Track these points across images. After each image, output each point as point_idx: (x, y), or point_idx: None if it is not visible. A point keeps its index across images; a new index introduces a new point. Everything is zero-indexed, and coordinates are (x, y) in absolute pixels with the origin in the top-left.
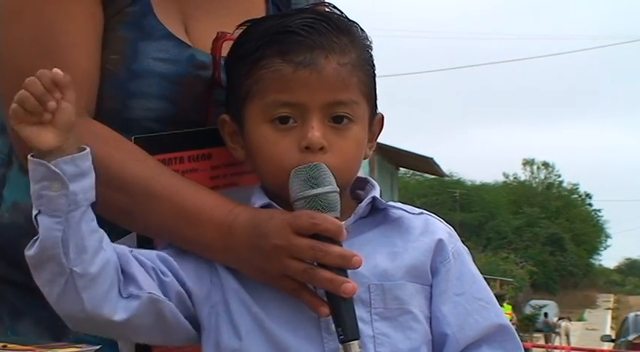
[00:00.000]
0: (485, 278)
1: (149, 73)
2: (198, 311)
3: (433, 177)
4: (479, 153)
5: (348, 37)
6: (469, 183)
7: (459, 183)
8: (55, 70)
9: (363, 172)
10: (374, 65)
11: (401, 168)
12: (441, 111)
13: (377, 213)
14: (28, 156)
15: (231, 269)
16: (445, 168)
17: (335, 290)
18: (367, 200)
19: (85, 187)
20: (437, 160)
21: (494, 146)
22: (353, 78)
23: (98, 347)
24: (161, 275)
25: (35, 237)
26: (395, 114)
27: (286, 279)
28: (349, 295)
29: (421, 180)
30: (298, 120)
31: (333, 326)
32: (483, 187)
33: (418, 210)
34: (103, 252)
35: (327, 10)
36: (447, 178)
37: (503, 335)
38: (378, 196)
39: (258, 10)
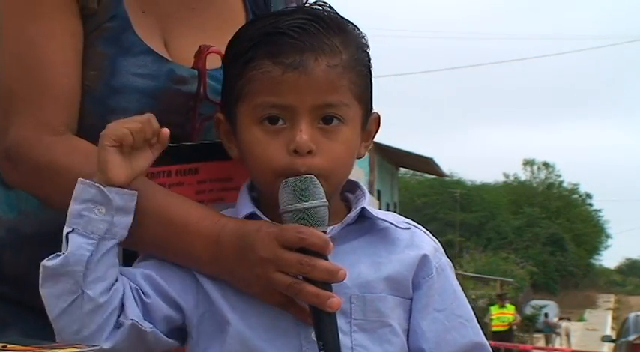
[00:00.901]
0: (485, 279)
1: (128, 89)
2: (188, 322)
3: (433, 177)
4: (479, 153)
5: (340, 37)
6: (469, 183)
7: (459, 183)
8: (165, 130)
9: (363, 172)
10: (369, 64)
11: (401, 168)
12: (442, 111)
13: (364, 221)
14: (82, 180)
15: (210, 278)
16: (445, 168)
17: (320, 305)
18: (356, 210)
19: (124, 224)
20: (437, 160)
21: (494, 146)
22: (343, 80)
23: (98, 347)
24: (143, 297)
25: (58, 253)
26: (395, 114)
27: (272, 292)
28: (334, 310)
29: (421, 180)
30: (287, 122)
31: (312, 334)
32: (484, 187)
33: (406, 225)
34: (115, 285)
35: (321, 9)
36: (448, 178)
37: None
38: (368, 205)
39: (239, 21)
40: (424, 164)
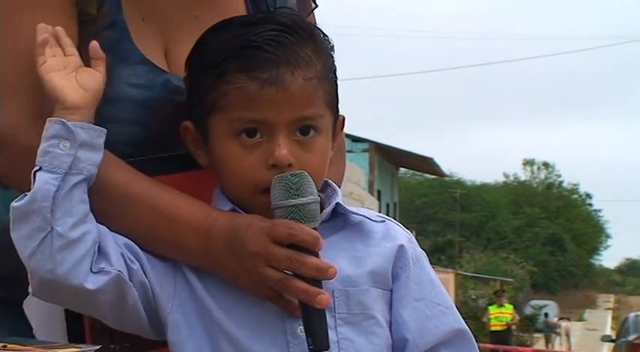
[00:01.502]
0: (485, 279)
1: (123, 99)
2: (159, 306)
3: (433, 177)
4: (479, 154)
5: (311, 46)
6: (469, 183)
7: (459, 183)
8: (93, 42)
9: (363, 172)
10: (336, 70)
11: (401, 168)
12: (442, 112)
13: (337, 217)
14: (48, 119)
15: (195, 272)
16: (445, 168)
17: (310, 301)
18: (331, 206)
19: (91, 159)
20: (437, 160)
21: (494, 146)
22: (318, 92)
23: (98, 347)
24: (129, 262)
25: (26, 193)
26: (395, 114)
27: (262, 285)
28: (323, 306)
29: (421, 180)
30: (265, 136)
31: (299, 329)
32: (483, 187)
33: (380, 218)
34: (86, 222)
35: (287, 16)
36: (448, 178)
37: (462, 340)
38: (341, 201)
39: None
40: (424, 164)
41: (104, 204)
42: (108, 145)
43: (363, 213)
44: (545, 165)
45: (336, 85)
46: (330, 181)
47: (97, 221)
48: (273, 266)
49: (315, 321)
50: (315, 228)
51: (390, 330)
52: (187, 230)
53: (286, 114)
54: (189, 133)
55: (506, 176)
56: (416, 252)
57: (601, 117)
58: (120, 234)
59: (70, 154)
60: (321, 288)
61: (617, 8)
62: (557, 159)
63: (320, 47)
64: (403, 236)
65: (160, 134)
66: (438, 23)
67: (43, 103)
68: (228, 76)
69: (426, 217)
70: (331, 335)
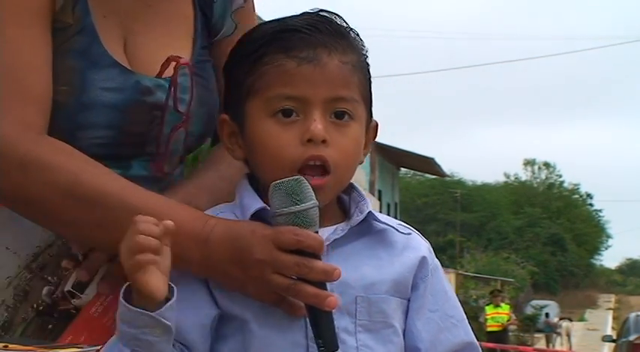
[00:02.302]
0: (486, 279)
1: (97, 104)
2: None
3: (434, 177)
4: (480, 154)
5: (347, 40)
6: (470, 183)
7: (460, 183)
8: (169, 222)
9: (364, 172)
10: (370, 72)
11: (402, 169)
12: (442, 112)
13: (362, 223)
14: (125, 304)
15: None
16: (446, 168)
17: (319, 304)
18: (363, 215)
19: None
20: (438, 160)
21: (495, 146)
22: (354, 77)
23: (99, 347)
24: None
25: None
26: (396, 114)
27: (266, 291)
28: (332, 308)
29: (422, 180)
30: (300, 114)
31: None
32: (484, 187)
33: (407, 230)
34: None
35: (326, 13)
36: (448, 178)
37: None
38: (372, 209)
39: (188, 19)
40: (425, 164)
41: (101, 214)
42: (82, 150)
43: (389, 222)
44: (546, 165)
45: (370, 84)
46: (355, 185)
47: (92, 233)
48: (281, 273)
49: (324, 323)
50: (316, 232)
51: (404, 339)
52: (186, 239)
53: (322, 91)
54: (226, 126)
55: (507, 176)
56: (434, 262)
57: (602, 118)
58: (114, 244)
59: (166, 340)
60: (327, 290)
61: (618, 8)
62: (558, 160)
63: (354, 44)
64: (425, 247)
65: (132, 135)
66: (438, 23)
67: (33, 114)
68: (266, 57)
69: (427, 217)
70: (350, 341)
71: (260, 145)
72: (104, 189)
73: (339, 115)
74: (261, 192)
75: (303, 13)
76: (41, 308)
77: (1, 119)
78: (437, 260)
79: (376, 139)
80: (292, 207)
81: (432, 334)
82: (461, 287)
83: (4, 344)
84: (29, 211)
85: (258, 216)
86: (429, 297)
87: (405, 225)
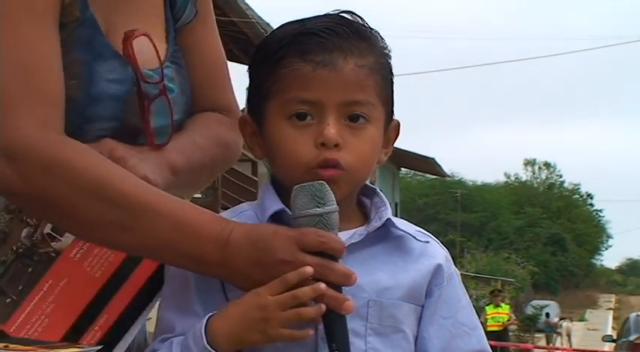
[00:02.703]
0: (486, 279)
1: (104, 96)
2: None
3: (434, 177)
4: (480, 154)
5: (367, 42)
6: (470, 183)
7: (460, 183)
8: (322, 285)
9: None
10: (392, 72)
11: (402, 169)
12: (443, 112)
13: (380, 228)
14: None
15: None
16: (446, 168)
17: (338, 307)
18: (382, 220)
19: None
20: (438, 160)
21: (495, 146)
22: (370, 80)
23: (100, 347)
24: None
25: None
26: (396, 114)
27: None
28: (349, 312)
29: (422, 180)
30: (315, 118)
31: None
32: (485, 187)
33: (425, 238)
34: None
35: (349, 16)
36: (449, 178)
37: None
38: (391, 216)
39: (159, 7)
40: (425, 164)
41: (125, 216)
42: (88, 143)
43: (408, 230)
44: (547, 165)
45: (392, 85)
46: (378, 190)
47: (115, 234)
48: None
49: (337, 326)
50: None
51: (415, 344)
52: (206, 241)
53: (337, 95)
54: (247, 126)
55: (508, 176)
56: (450, 270)
57: (602, 117)
58: (137, 245)
59: None
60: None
61: (619, 9)
62: (559, 160)
63: (375, 45)
64: (442, 255)
65: (129, 127)
66: (439, 23)
67: (53, 115)
68: (284, 60)
69: (427, 217)
70: (360, 343)
71: (276, 147)
72: (129, 191)
73: (354, 119)
74: (282, 193)
75: (324, 14)
76: (20, 250)
77: (22, 120)
78: (454, 267)
79: None
80: (316, 209)
81: (444, 341)
82: None
83: (4, 344)
84: (47, 212)
85: (276, 217)
86: (442, 304)
87: (424, 232)
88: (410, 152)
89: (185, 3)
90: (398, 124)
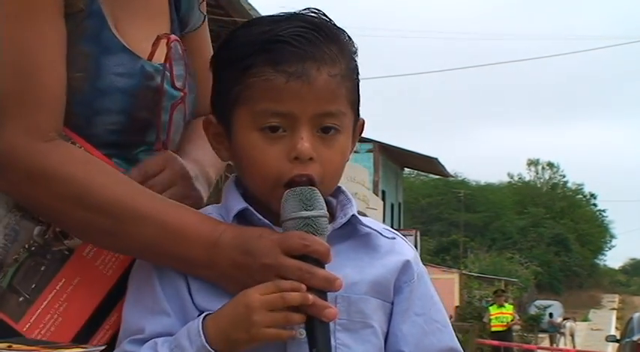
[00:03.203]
0: (489, 279)
1: (112, 90)
2: None
3: (438, 177)
4: (483, 154)
5: (337, 45)
6: (474, 183)
7: (463, 183)
8: (310, 296)
9: (367, 172)
10: (359, 72)
11: (406, 169)
12: (446, 112)
13: (347, 226)
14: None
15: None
16: (450, 168)
17: (317, 313)
18: (347, 217)
19: None
20: (441, 160)
21: (498, 146)
22: (342, 89)
23: (103, 347)
24: None
25: None
26: (399, 114)
27: None
28: (330, 320)
29: (426, 180)
30: (287, 130)
31: (297, 333)
32: (488, 187)
33: (391, 234)
34: None
35: (315, 15)
36: (452, 178)
37: None
38: (356, 212)
39: (165, 8)
40: (428, 164)
41: (109, 222)
42: (97, 137)
43: (374, 227)
44: (550, 165)
45: (359, 86)
46: (343, 188)
47: (101, 240)
48: (284, 278)
49: (318, 333)
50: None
51: (386, 342)
52: (193, 242)
53: (310, 108)
54: (212, 127)
55: (511, 176)
56: (420, 268)
57: (605, 117)
58: (124, 250)
59: None
60: (327, 300)
61: (622, 8)
62: (562, 160)
63: (345, 47)
64: (410, 252)
65: (138, 121)
66: (441, 23)
67: (45, 118)
68: (254, 68)
69: (431, 217)
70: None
71: (246, 157)
72: (114, 198)
73: (326, 130)
74: (246, 194)
75: (291, 15)
76: (33, 248)
77: (8, 128)
78: (423, 266)
79: (380, 140)
80: (303, 212)
81: (417, 337)
82: (464, 288)
83: (7, 344)
84: (41, 216)
85: (241, 216)
86: (415, 301)
87: (390, 229)
88: (413, 152)
89: (190, 7)
90: (363, 122)
